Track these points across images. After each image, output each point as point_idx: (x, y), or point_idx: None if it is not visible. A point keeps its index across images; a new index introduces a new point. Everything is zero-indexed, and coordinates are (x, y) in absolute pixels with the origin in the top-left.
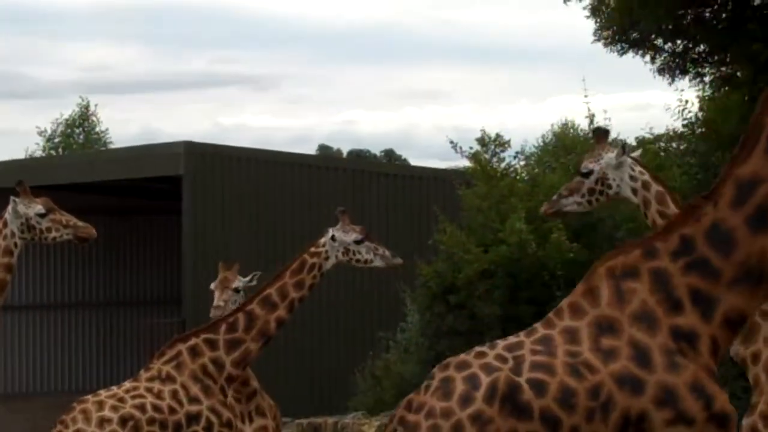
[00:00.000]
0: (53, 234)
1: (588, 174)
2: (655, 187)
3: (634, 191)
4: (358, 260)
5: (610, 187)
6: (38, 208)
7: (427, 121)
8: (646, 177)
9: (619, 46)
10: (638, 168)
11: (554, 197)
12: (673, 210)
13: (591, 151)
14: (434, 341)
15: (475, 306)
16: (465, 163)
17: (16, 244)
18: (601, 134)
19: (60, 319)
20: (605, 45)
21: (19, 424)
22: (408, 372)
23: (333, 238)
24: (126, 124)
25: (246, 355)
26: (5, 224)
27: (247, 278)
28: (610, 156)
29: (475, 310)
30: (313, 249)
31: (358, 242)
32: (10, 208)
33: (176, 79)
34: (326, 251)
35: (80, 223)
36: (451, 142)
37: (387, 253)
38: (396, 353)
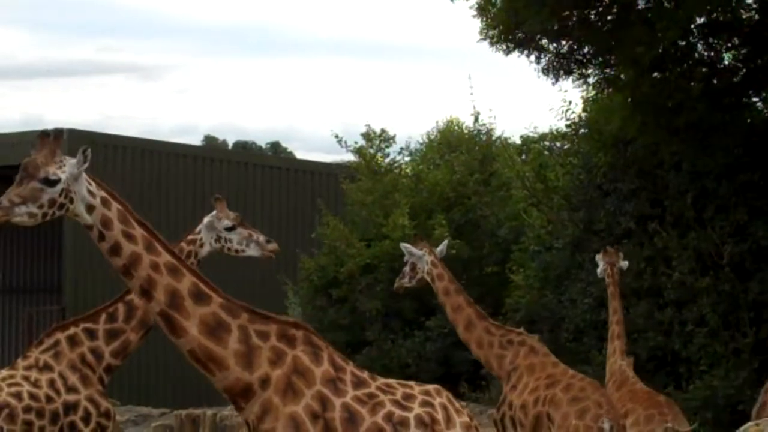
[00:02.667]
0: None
1: (55, 182)
2: (116, 205)
3: (90, 208)
4: (229, 248)
5: (72, 201)
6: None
7: (315, 114)
8: (104, 193)
9: (504, 46)
10: (94, 183)
11: (5, 203)
12: (138, 230)
13: (48, 155)
14: None
15: (357, 300)
16: (350, 157)
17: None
18: (49, 137)
19: None
20: (491, 44)
21: None
22: None
23: (207, 225)
24: (6, 111)
25: (126, 345)
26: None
27: None
28: (72, 164)
29: (357, 304)
30: (189, 237)
31: (228, 229)
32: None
33: (61, 67)
34: (201, 239)
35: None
36: (336, 137)
37: (261, 238)
38: None
